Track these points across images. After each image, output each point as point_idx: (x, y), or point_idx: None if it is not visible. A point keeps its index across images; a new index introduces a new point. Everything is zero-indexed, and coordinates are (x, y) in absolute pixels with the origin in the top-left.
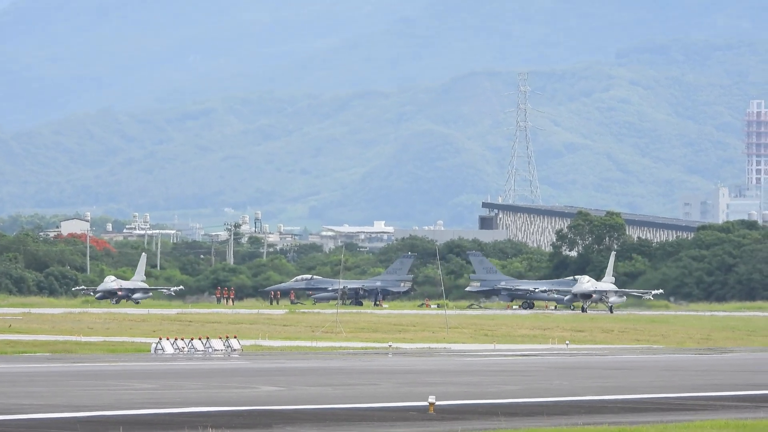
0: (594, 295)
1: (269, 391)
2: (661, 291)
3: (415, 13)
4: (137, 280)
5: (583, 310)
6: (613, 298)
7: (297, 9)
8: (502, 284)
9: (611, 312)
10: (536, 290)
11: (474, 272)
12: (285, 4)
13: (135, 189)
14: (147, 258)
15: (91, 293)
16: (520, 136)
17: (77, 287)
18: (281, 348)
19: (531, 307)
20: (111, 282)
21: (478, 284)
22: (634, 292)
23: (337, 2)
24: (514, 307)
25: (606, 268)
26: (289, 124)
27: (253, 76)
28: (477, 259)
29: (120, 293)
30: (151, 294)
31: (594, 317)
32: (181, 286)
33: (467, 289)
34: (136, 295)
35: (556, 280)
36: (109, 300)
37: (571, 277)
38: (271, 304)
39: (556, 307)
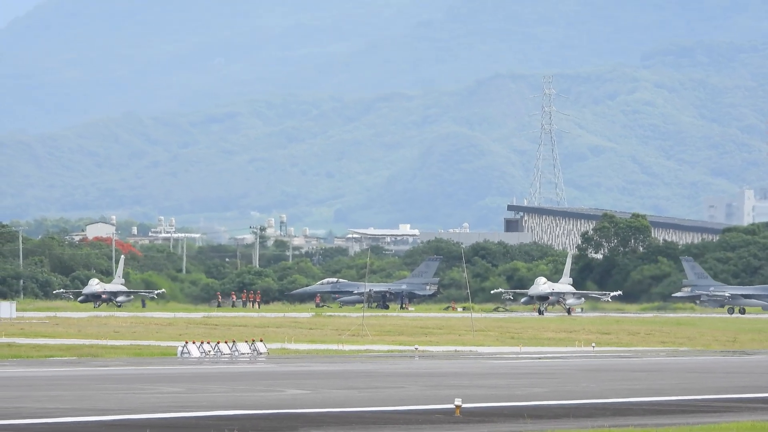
0: (551, 297)
1: (295, 394)
2: (619, 293)
3: (435, 17)
4: (117, 283)
5: (540, 312)
6: (570, 300)
7: (318, 13)
8: (711, 290)
9: (569, 314)
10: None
11: (686, 278)
12: (306, 8)
13: (160, 192)
14: (172, 262)
15: (71, 296)
16: (545, 138)
17: (57, 290)
18: (307, 351)
19: (742, 312)
20: (95, 285)
21: (689, 290)
22: (592, 293)
23: (357, 6)
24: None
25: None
26: (313, 126)
27: (276, 79)
28: (689, 265)
29: (104, 296)
30: (132, 297)
31: (619, 320)
32: (163, 290)
33: (678, 294)
34: (120, 298)
35: (764, 285)
36: (92, 303)
37: None
38: (219, 306)
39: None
